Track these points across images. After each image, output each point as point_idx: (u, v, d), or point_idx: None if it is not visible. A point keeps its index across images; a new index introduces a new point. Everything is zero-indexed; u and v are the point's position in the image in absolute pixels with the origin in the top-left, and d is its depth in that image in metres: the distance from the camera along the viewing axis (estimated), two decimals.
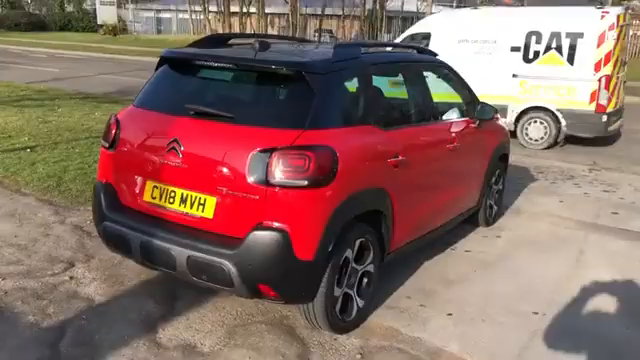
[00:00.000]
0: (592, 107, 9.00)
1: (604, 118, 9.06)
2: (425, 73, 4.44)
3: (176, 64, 3.71)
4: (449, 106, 4.81)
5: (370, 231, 3.56)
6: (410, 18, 34.06)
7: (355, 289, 3.56)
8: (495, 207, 5.68)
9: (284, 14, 38.79)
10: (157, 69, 3.76)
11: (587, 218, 5.98)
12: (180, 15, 54.70)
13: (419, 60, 4.55)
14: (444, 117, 4.58)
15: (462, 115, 4.77)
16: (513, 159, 6.93)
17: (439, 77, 4.78)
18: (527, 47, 9.37)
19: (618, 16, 8.80)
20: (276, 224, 3.02)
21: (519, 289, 4.23)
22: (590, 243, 5.27)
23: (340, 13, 37.25)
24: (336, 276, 3.31)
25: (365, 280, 3.66)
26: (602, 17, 8.80)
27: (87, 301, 3.74)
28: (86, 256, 4.40)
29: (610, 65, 8.81)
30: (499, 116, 5.52)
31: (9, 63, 21.59)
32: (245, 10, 43.29)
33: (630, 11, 11.44)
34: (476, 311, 3.87)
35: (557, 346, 3.47)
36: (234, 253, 3.04)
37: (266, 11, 38.99)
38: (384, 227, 3.69)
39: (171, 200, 3.29)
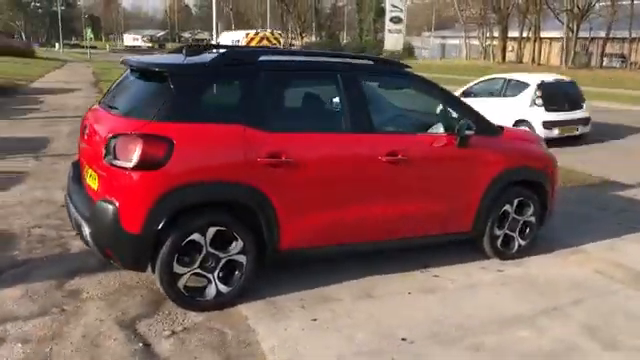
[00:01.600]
0: None
1: None
2: (368, 83, 4.38)
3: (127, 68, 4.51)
4: (431, 119, 4.61)
5: (234, 222, 3.80)
6: None
7: (216, 274, 3.84)
8: (520, 240, 5.06)
9: (560, 38, 36.43)
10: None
11: None
12: (469, 41, 55.45)
13: (352, 70, 4.42)
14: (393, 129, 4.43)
15: (445, 130, 4.52)
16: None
17: (401, 89, 4.61)
18: None
19: None
20: (110, 198, 3.59)
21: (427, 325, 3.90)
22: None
23: (627, 35, 33.38)
24: (175, 255, 3.67)
25: (236, 270, 3.90)
26: None
27: None
28: None
29: None
30: (534, 138, 4.98)
31: None
32: (524, 35, 42.10)
33: None
34: (344, 325, 3.76)
35: None
36: (88, 218, 3.71)
37: (542, 35, 37.27)
38: (263, 223, 3.88)
39: (88, 176, 4.08)
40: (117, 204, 3.57)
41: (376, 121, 4.33)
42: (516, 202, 4.95)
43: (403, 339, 3.61)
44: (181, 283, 3.76)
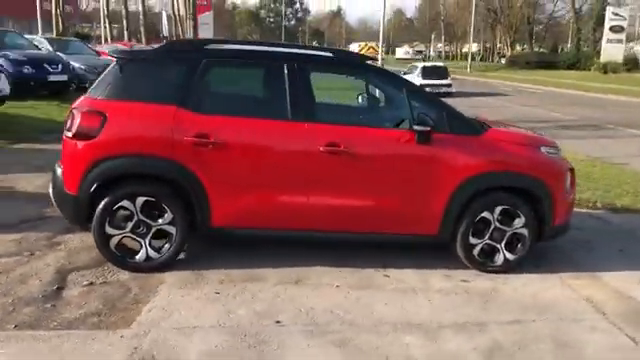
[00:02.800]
0: None
1: None
2: (322, 74, 4.43)
3: None
4: (392, 113, 4.53)
5: (163, 195, 4.19)
6: None
7: (147, 240, 4.27)
8: (508, 254, 4.61)
9: None
10: None
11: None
12: None
13: (299, 60, 4.42)
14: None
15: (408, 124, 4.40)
16: None
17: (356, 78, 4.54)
18: None
19: None
20: (60, 163, 4.25)
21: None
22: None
23: None
24: (107, 217, 4.17)
25: (165, 239, 4.28)
26: None
27: None
28: None
29: None
30: (532, 141, 4.57)
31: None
32: None
33: None
34: (238, 301, 3.92)
35: None
36: (51, 180, 4.42)
37: None
38: (193, 199, 4.21)
39: None
40: (62, 168, 4.19)
41: (321, 111, 4.36)
42: (498, 210, 4.51)
43: (277, 322, 3.64)
44: (112, 244, 4.24)
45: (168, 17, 63.60)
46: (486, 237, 4.58)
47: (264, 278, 4.29)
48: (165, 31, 63.91)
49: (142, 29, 43.88)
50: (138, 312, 3.69)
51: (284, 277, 4.32)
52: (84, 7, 72.94)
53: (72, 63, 14.93)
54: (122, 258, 4.28)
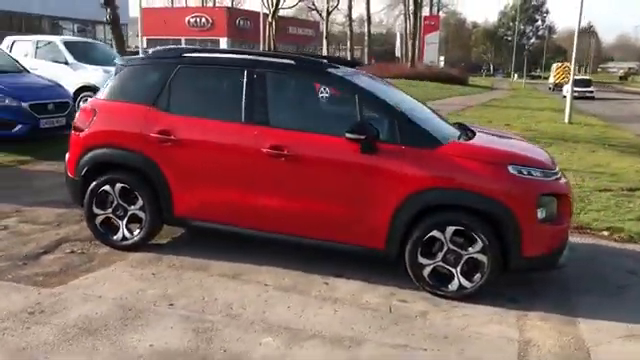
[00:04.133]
0: None
1: None
2: (283, 80, 4.62)
3: None
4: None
5: (134, 183, 4.79)
6: None
7: (124, 222, 4.91)
8: (464, 280, 4.22)
9: None
10: None
11: None
12: None
13: (259, 67, 4.58)
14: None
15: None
16: None
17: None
18: None
19: None
20: (68, 152, 5.13)
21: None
22: None
23: None
24: (93, 198, 4.91)
25: (137, 223, 4.88)
26: None
27: None
28: None
29: None
30: (501, 159, 4.21)
31: None
32: None
33: None
34: (161, 284, 4.31)
35: None
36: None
37: None
38: (157, 189, 4.75)
39: None
40: (67, 156, 5.07)
41: (273, 116, 4.51)
42: (450, 230, 4.18)
43: (170, 304, 3.95)
44: (97, 221, 4.95)
45: (401, 37, 66.18)
46: (438, 259, 4.25)
47: (210, 269, 4.60)
48: (397, 51, 66.49)
49: (366, 49, 46.39)
50: (76, 278, 4.31)
51: (228, 270, 4.57)
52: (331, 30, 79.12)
53: None
54: (104, 235, 4.96)
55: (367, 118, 4.35)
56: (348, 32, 41.90)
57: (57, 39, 12.56)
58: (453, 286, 4.25)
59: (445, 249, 4.22)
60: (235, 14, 57.08)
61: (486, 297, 4.25)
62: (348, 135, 4.15)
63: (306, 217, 4.45)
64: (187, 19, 56.35)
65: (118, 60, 5.22)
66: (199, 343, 3.46)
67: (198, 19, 56.21)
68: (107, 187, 4.84)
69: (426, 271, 4.28)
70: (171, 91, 4.75)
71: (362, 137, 4.16)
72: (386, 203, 4.23)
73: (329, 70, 4.53)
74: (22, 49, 12.09)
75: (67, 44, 12.13)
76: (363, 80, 4.77)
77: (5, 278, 4.26)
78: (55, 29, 40.01)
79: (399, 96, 5.08)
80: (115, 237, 4.91)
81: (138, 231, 4.85)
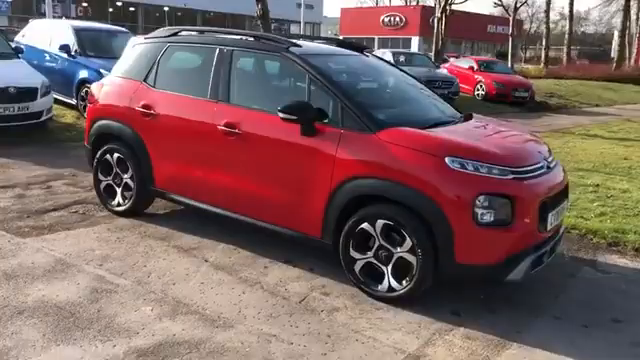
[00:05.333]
0: None
1: None
2: (245, 59, 4.58)
3: None
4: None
5: (127, 154, 5.11)
6: None
7: (120, 190, 5.28)
8: (393, 281, 3.81)
9: None
10: None
11: None
12: None
13: (228, 45, 4.55)
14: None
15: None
16: None
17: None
18: None
19: None
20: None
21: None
22: None
23: None
24: (98, 167, 5.35)
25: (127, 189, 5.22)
26: None
27: None
28: None
29: None
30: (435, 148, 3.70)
31: None
32: None
33: None
34: (115, 254, 4.59)
35: None
36: None
37: None
38: (141, 159, 5.03)
39: None
40: (85, 127, 5.61)
41: (233, 93, 4.50)
42: (380, 224, 3.81)
43: (85, 262, 4.20)
44: (101, 187, 5.39)
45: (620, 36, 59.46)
46: (369, 254, 3.90)
47: (172, 240, 4.75)
48: (613, 52, 60.04)
49: (565, 49, 42.64)
50: (53, 232, 4.78)
51: (186, 243, 4.67)
52: (531, 28, 74.52)
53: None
54: (106, 200, 5.39)
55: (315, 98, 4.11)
56: (544, 29, 38.91)
57: None
58: (383, 286, 3.86)
59: (377, 244, 3.85)
60: (429, 12, 56.48)
61: (424, 304, 3.80)
62: (280, 114, 3.97)
63: (254, 198, 4.37)
64: (382, 18, 57.35)
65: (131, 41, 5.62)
66: (84, 301, 3.63)
67: (392, 18, 56.86)
68: (108, 156, 5.24)
69: (357, 266, 3.95)
70: (158, 68, 4.99)
71: (294, 117, 3.95)
72: (322, 189, 3.99)
73: (288, 49, 4.36)
74: None
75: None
76: (336, 62, 4.54)
77: (10, 227, 4.84)
78: (255, 28, 43.87)
79: (389, 79, 4.72)
80: (113, 202, 5.30)
81: (128, 199, 5.18)
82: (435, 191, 3.58)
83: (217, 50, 4.63)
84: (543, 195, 3.79)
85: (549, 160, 4.09)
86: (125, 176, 5.15)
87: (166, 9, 47.05)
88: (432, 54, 25.39)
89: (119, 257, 4.34)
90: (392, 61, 17.67)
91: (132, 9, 46.11)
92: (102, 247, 4.51)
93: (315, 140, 3.99)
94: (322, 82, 4.11)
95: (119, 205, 5.25)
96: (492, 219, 3.57)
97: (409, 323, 3.62)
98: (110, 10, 43.73)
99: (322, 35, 58.49)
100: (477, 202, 3.53)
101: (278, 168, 4.21)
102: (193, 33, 5.06)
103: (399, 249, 3.75)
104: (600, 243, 5.34)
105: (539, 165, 3.91)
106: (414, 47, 51.61)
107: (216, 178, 4.53)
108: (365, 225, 3.84)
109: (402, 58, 19.05)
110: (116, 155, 5.16)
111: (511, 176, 3.66)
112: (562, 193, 4.09)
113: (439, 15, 25.97)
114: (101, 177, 5.35)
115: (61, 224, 5.00)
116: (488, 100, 19.20)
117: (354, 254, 3.93)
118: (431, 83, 16.08)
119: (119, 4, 44.46)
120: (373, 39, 54.39)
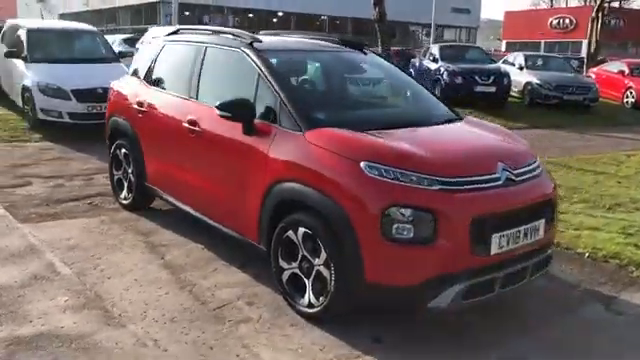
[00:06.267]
0: None
1: None
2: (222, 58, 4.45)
3: None
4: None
5: (128, 149, 5.29)
6: None
7: (127, 183, 5.48)
8: (312, 296, 3.46)
9: None
10: None
11: None
12: None
13: (205, 43, 4.47)
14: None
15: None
16: None
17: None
18: None
19: None
20: None
21: None
22: None
23: None
24: (112, 162, 5.61)
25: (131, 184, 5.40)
26: None
27: None
28: None
29: None
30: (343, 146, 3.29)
31: None
32: None
33: None
34: (87, 243, 4.77)
35: None
36: None
37: None
38: (138, 156, 5.17)
39: None
40: None
41: (202, 91, 4.42)
42: (301, 232, 3.51)
43: (66, 240, 4.39)
44: (114, 180, 5.59)
45: None
46: (294, 264, 3.60)
47: (151, 236, 4.79)
48: None
49: None
50: (53, 220, 5.08)
51: (161, 240, 4.68)
52: None
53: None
54: (116, 193, 5.61)
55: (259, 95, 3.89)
56: None
57: None
58: (304, 301, 3.53)
59: (300, 255, 3.54)
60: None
61: (347, 325, 3.42)
62: (217, 112, 3.83)
63: (207, 197, 4.30)
64: (550, 20, 53.59)
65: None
66: (15, 285, 3.77)
67: (562, 20, 52.88)
68: (118, 151, 5.46)
69: (285, 276, 3.66)
70: (155, 67, 5.09)
71: (228, 114, 3.79)
72: (256, 191, 3.77)
73: (250, 44, 4.17)
74: None
75: None
76: (303, 59, 4.30)
77: (15, 212, 5.25)
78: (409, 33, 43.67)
79: (366, 78, 4.36)
80: (121, 196, 5.52)
81: (132, 193, 5.35)
82: (346, 199, 3.19)
83: (195, 48, 4.61)
84: (484, 212, 3.19)
85: (515, 172, 3.44)
86: (129, 171, 5.32)
87: (324, 18, 48.48)
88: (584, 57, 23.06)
89: (85, 247, 4.48)
90: (523, 64, 16.46)
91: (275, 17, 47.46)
92: (80, 237, 4.69)
93: (254, 139, 3.78)
94: (267, 79, 3.88)
95: (125, 199, 5.44)
96: (410, 235, 3.08)
97: (312, 345, 3.26)
98: (274, 20, 45.96)
99: (477, 40, 56.18)
100: (389, 214, 3.07)
101: (224, 167, 4.08)
102: (188, 32, 5.07)
103: (317, 261, 3.40)
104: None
105: (489, 177, 3.31)
106: (584, 51, 47.41)
107: (184, 176, 4.50)
108: (290, 233, 3.55)
109: (538, 61, 17.51)
110: (123, 151, 5.35)
111: (437, 187, 3.13)
112: (530, 211, 3.42)
113: (594, 15, 23.51)
114: (114, 171, 5.58)
115: (67, 213, 5.31)
116: (639, 109, 16.97)
117: (282, 263, 3.66)
118: (562, 89, 14.84)
119: (280, 14, 46.69)
120: (539, 43, 51.02)
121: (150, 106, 4.86)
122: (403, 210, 3.06)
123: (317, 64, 4.56)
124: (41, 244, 4.50)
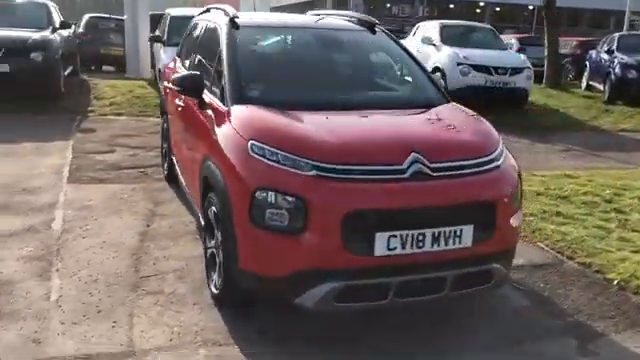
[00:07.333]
0: None
1: None
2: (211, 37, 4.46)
3: None
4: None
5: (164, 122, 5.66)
6: None
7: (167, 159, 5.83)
8: (216, 278, 3.38)
9: None
10: None
11: None
12: None
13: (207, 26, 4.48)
14: None
15: None
16: None
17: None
18: None
19: None
20: None
21: None
22: None
23: None
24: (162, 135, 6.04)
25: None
26: None
27: None
28: None
29: None
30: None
31: None
32: None
33: None
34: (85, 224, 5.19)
35: None
36: None
37: None
38: (167, 126, 5.50)
39: None
40: None
41: (195, 66, 4.53)
42: (212, 213, 3.43)
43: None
44: (163, 152, 6.01)
45: None
46: (212, 243, 3.53)
47: (160, 207, 5.03)
48: None
49: None
50: (98, 184, 5.58)
51: (163, 211, 4.90)
52: None
53: None
54: (163, 164, 5.98)
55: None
56: None
57: None
58: (215, 281, 3.45)
59: (216, 235, 3.46)
60: None
61: (242, 315, 3.30)
62: (171, 86, 3.90)
63: (185, 171, 4.39)
64: None
65: None
66: (7, 233, 4.27)
67: None
68: (164, 126, 5.82)
69: (207, 254, 3.60)
70: (186, 44, 5.31)
71: (179, 88, 3.84)
72: (199, 168, 3.76)
73: (231, 20, 4.10)
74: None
75: None
76: (281, 36, 4.18)
77: (73, 174, 5.86)
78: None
79: (355, 57, 4.17)
80: (165, 167, 5.87)
81: (166, 163, 5.69)
82: (230, 178, 3.06)
83: (198, 25, 4.80)
84: (366, 206, 2.80)
85: (433, 166, 2.94)
86: (164, 146, 5.65)
87: (531, 7, 45.46)
88: None
89: (93, 209, 4.86)
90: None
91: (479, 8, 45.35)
92: (100, 199, 5.10)
93: (204, 114, 3.77)
94: (222, 53, 3.82)
95: (165, 170, 5.78)
96: (281, 223, 2.83)
97: (193, 325, 3.18)
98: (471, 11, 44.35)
99: None
100: (257, 197, 2.86)
101: (191, 142, 4.13)
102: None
103: (212, 242, 3.32)
104: None
105: (389, 168, 2.89)
106: None
107: (179, 150, 4.65)
108: (209, 211, 3.48)
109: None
110: (165, 125, 5.68)
111: (313, 172, 2.82)
112: (447, 213, 2.91)
113: None
114: (163, 143, 5.95)
115: (116, 179, 5.81)
116: None
117: (207, 241, 3.60)
118: None
119: (481, 4, 44.83)
120: None
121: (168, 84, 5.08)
122: (268, 194, 2.82)
123: (289, 42, 4.33)
124: (63, 202, 4.99)
